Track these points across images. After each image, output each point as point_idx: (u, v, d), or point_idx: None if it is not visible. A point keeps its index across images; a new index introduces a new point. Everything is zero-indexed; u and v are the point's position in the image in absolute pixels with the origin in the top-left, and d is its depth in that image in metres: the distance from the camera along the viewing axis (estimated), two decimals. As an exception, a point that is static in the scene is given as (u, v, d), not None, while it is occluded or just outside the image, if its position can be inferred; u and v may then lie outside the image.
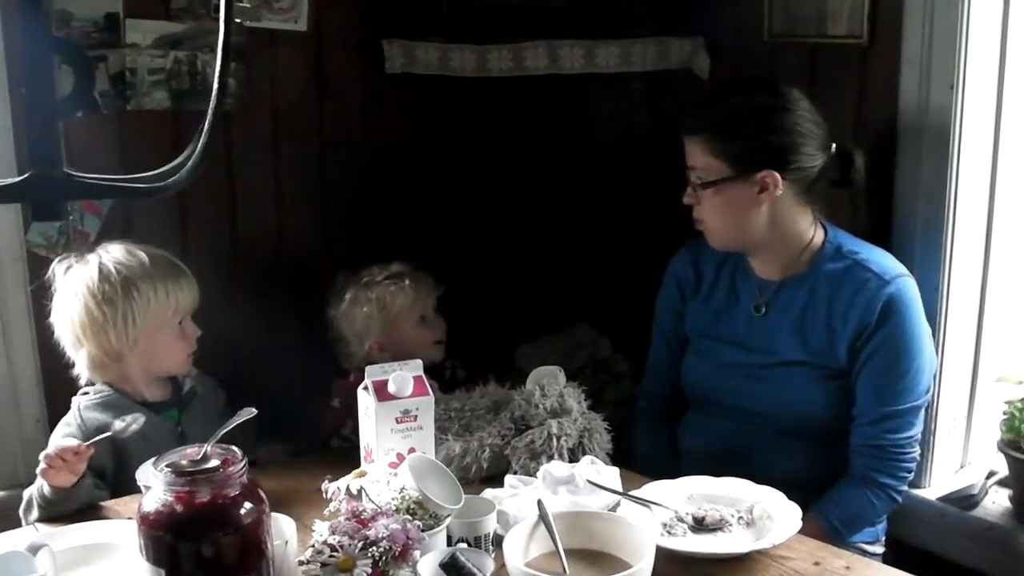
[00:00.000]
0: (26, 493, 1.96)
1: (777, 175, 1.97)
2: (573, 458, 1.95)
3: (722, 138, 1.98)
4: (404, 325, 2.37)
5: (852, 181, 2.08)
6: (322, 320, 2.40)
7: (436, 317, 2.43)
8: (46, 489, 1.86)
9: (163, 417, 2.09)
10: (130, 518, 1.70)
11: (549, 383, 2.06)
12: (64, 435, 2.01)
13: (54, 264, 2.07)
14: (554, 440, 1.95)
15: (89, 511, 1.89)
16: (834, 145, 2.04)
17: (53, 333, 2.07)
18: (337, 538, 1.46)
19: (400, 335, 2.36)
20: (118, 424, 1.92)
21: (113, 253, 2.04)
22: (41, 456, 1.84)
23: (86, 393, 2.08)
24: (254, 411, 1.63)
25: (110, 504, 1.91)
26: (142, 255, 2.05)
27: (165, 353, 2.08)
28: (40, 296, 2.27)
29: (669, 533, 1.73)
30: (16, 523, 1.95)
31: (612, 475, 1.88)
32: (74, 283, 2.02)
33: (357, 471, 1.83)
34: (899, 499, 2.06)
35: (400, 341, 2.34)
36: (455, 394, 2.17)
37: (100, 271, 2.00)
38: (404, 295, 2.36)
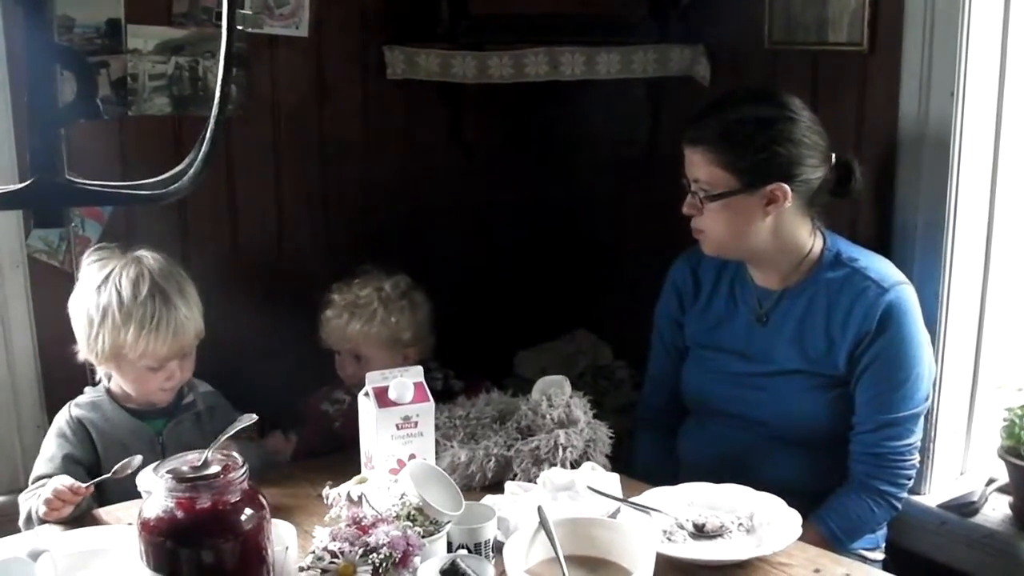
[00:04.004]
0: (22, 502, 1.97)
1: (786, 187, 1.95)
2: (575, 467, 1.95)
3: (728, 150, 1.95)
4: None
5: (851, 192, 2.07)
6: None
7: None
8: (46, 519, 1.88)
9: (146, 424, 2.08)
10: (130, 524, 1.70)
11: (555, 393, 2.06)
12: (57, 432, 2.05)
13: (90, 250, 2.08)
14: (560, 450, 1.95)
15: (89, 517, 1.89)
16: (834, 156, 2.03)
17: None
18: (338, 544, 1.46)
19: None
20: (118, 466, 1.91)
21: (130, 274, 2.00)
22: (42, 502, 1.85)
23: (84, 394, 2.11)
24: (255, 417, 1.64)
25: (110, 509, 1.92)
26: (145, 288, 1.98)
27: (126, 381, 2.06)
28: (40, 302, 2.28)
29: (669, 540, 1.73)
30: (16, 528, 1.96)
31: (612, 481, 1.88)
32: (87, 280, 2.03)
33: (358, 477, 1.83)
34: (899, 506, 2.06)
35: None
36: (458, 401, 2.17)
37: (106, 284, 2.00)
38: None
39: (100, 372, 2.09)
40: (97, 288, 2.00)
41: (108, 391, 2.10)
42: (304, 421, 2.35)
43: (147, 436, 2.06)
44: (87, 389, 2.13)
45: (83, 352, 2.04)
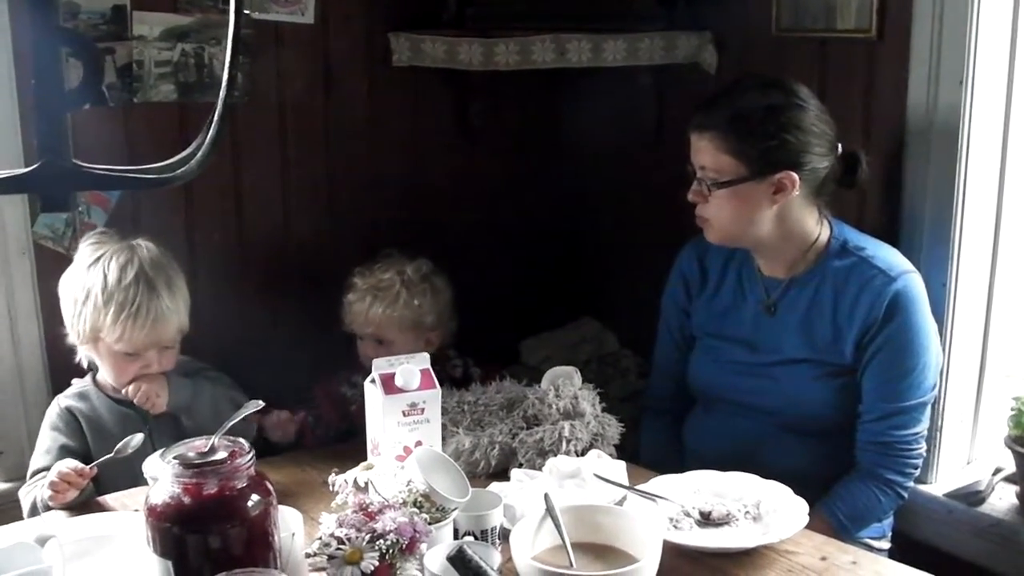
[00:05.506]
0: (23, 496, 1.98)
1: (795, 176, 1.94)
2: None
3: (738, 138, 1.94)
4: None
5: (857, 182, 2.06)
6: (329, 313, 2.39)
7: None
8: (51, 503, 1.88)
9: (133, 411, 2.08)
10: (137, 510, 1.70)
11: (564, 384, 2.05)
12: (50, 426, 2.06)
13: (89, 233, 2.11)
14: (564, 442, 1.94)
15: (95, 503, 1.90)
16: (839, 146, 2.02)
17: (60, 326, 2.09)
18: (344, 531, 1.46)
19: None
20: (120, 444, 1.91)
21: (120, 259, 2.00)
22: (47, 485, 1.86)
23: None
24: (261, 403, 1.64)
25: (117, 496, 1.92)
26: (131, 274, 1.98)
27: (104, 367, 2.06)
28: (47, 289, 2.28)
29: (675, 527, 1.73)
30: (22, 515, 1.97)
31: (619, 469, 1.88)
32: (79, 260, 2.04)
33: (364, 464, 1.83)
34: (905, 495, 2.05)
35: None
36: (471, 387, 2.17)
37: (95, 266, 2.00)
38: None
39: (80, 355, 2.09)
40: (87, 268, 2.01)
41: (95, 381, 2.11)
42: (313, 403, 2.35)
43: (134, 423, 2.06)
44: (75, 381, 2.14)
45: (68, 332, 2.05)
